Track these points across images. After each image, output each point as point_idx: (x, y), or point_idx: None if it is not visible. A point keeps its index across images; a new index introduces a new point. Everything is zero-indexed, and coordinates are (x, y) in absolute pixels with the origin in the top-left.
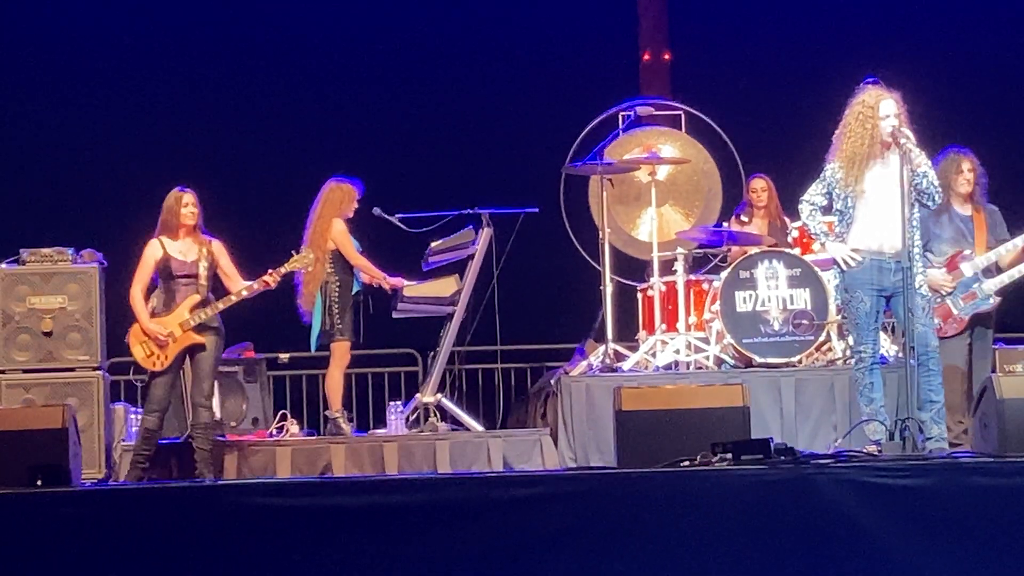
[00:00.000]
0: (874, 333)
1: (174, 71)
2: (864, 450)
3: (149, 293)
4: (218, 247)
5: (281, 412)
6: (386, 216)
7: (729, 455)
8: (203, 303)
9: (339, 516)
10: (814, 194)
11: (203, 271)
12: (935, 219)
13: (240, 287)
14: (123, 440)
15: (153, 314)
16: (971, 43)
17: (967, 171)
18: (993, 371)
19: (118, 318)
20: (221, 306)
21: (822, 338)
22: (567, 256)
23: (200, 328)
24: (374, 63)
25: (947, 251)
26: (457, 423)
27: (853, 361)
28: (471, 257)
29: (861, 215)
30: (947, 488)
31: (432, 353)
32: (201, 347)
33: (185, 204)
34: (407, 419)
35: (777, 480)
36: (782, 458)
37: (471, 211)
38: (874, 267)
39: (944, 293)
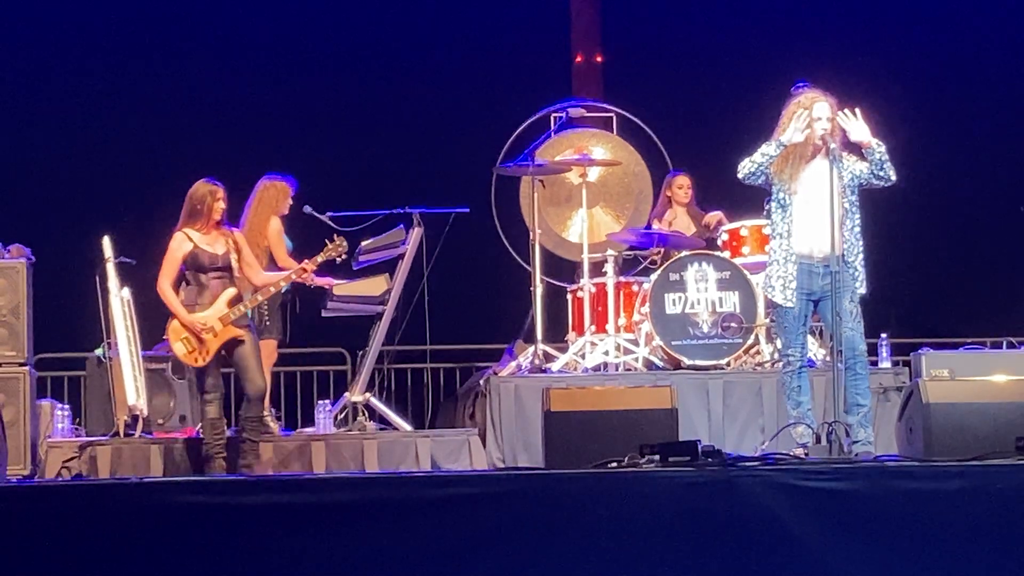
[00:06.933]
0: (802, 337)
1: (97, 65)
2: (791, 453)
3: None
4: (240, 236)
5: None
6: (317, 215)
7: (657, 457)
8: (239, 297)
9: (265, 514)
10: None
11: (234, 263)
12: None
13: (275, 278)
14: (48, 437)
15: (185, 308)
16: (900, 48)
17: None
18: (919, 376)
19: (45, 314)
20: (260, 298)
21: (750, 341)
22: (498, 257)
23: (236, 322)
24: (306, 61)
25: None
26: (385, 422)
27: (781, 364)
28: (401, 256)
29: (792, 217)
30: (873, 492)
31: (361, 352)
32: (240, 341)
33: (219, 198)
34: (335, 418)
35: (704, 482)
36: (709, 460)
37: (402, 210)
38: (803, 271)
39: None
